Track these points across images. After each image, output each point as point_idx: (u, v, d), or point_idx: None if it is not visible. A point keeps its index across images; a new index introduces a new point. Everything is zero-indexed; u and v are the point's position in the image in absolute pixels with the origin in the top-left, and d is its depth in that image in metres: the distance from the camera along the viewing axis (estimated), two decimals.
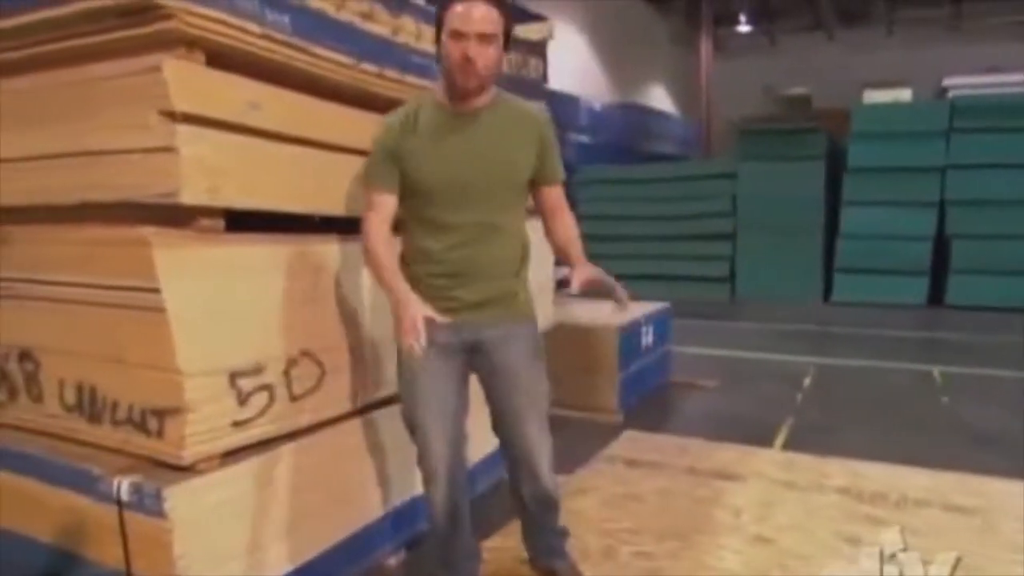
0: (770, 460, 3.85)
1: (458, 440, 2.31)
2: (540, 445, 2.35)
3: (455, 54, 2.05)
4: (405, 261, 2.26)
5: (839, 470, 3.61)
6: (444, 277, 2.20)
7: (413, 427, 2.29)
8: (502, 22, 2.08)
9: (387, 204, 2.21)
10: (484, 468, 3.29)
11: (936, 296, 9.74)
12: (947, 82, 17.02)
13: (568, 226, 2.31)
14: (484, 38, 2.04)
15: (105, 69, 2.12)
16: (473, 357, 2.27)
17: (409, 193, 2.20)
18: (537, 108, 2.34)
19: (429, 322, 2.02)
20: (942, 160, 9.73)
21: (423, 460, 2.30)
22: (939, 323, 8.78)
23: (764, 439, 4.28)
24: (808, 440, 4.23)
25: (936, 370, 6.05)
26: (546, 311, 3.64)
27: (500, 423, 2.36)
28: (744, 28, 20.57)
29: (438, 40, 2.11)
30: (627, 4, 18.02)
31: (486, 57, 2.06)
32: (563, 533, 2.59)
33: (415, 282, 2.22)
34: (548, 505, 2.46)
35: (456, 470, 2.31)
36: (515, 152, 2.21)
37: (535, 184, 2.29)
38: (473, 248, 2.18)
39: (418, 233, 2.22)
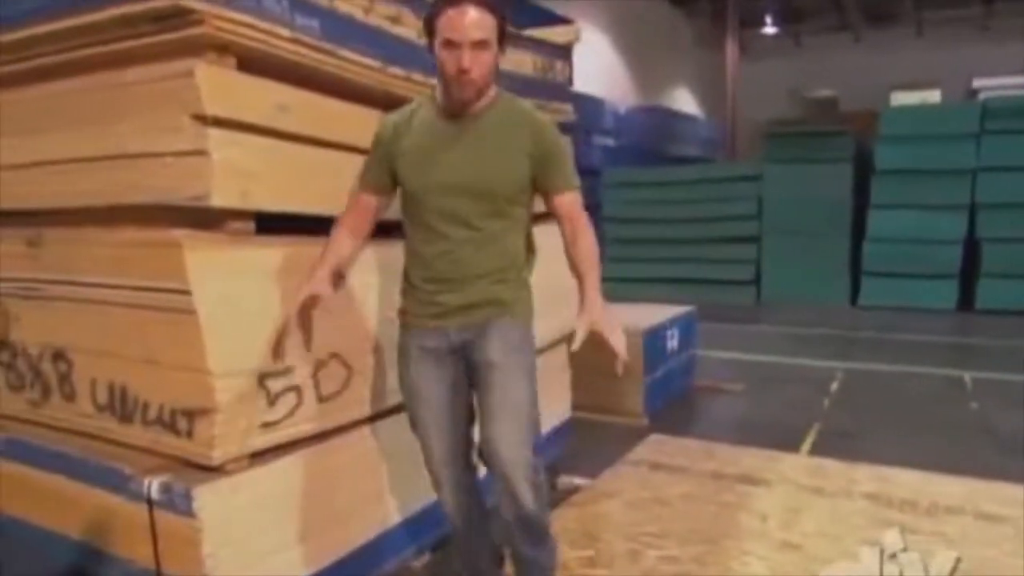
0: (797, 465, 3.82)
1: (459, 443, 2.26)
2: (515, 455, 2.10)
3: (449, 65, 1.96)
4: (406, 268, 2.23)
5: (868, 476, 3.57)
6: (433, 282, 2.15)
7: (415, 431, 2.27)
8: (496, 23, 1.98)
9: (366, 204, 2.20)
10: None
11: (966, 300, 9.59)
12: (977, 83, 16.85)
13: (581, 239, 2.12)
14: (478, 45, 1.95)
15: (138, 73, 2.15)
16: (464, 360, 2.18)
17: (405, 196, 2.17)
18: (539, 111, 2.21)
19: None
20: (973, 162, 9.58)
21: (427, 464, 2.28)
22: (969, 328, 8.65)
23: (791, 444, 4.24)
24: (836, 445, 4.19)
25: (966, 375, 5.97)
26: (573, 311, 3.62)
27: (480, 431, 2.19)
28: (770, 30, 20.43)
29: (430, 46, 2.02)
30: (651, 6, 17.98)
31: (482, 65, 1.97)
32: (549, 570, 2.30)
33: (411, 288, 2.20)
34: (532, 532, 2.18)
35: (461, 473, 2.28)
36: (507, 159, 2.09)
37: (541, 191, 2.16)
38: (462, 254, 2.11)
39: (415, 239, 2.18)
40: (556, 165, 2.14)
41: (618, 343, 1.96)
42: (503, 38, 2.04)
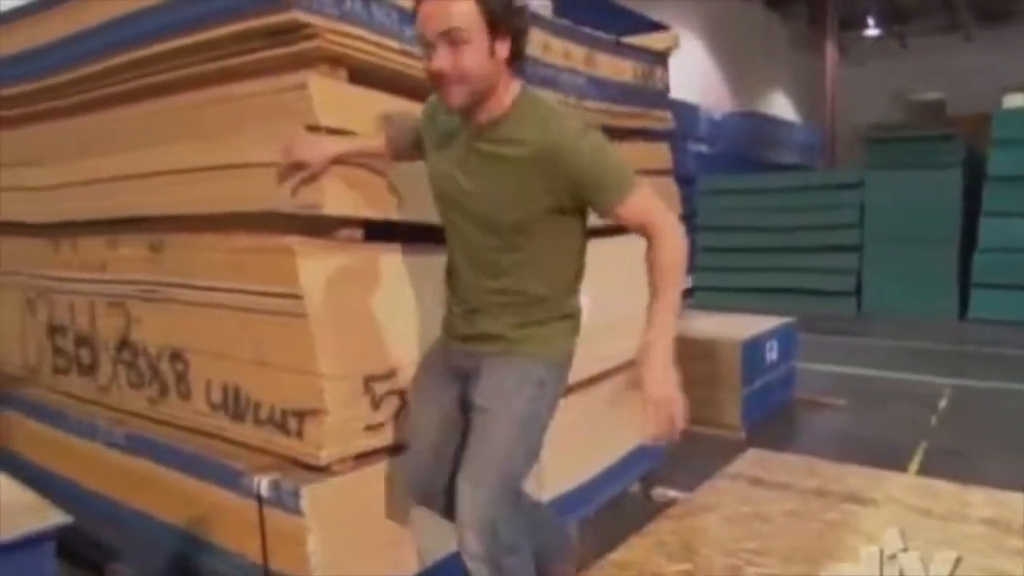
0: (905, 485, 3.64)
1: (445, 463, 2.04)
2: (473, 510, 1.78)
3: (426, 70, 1.67)
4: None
5: (983, 499, 3.38)
6: (453, 296, 2.02)
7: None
8: (478, 7, 1.58)
9: (392, 131, 2.13)
10: (606, 480, 3.27)
11: None
12: None
13: (657, 247, 1.73)
14: (452, 38, 1.58)
15: (253, 86, 2.24)
16: (463, 389, 2.00)
17: None
18: (562, 120, 1.76)
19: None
20: None
21: None
22: None
23: (897, 463, 4.06)
24: (945, 466, 3.98)
25: None
26: None
27: None
28: (872, 32, 19.74)
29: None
30: (746, 8, 17.65)
31: (459, 64, 1.60)
32: None
33: (447, 293, 2.08)
34: None
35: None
36: (511, 190, 1.75)
37: (595, 211, 1.84)
38: (470, 280, 1.93)
39: (448, 246, 2.02)
40: (592, 184, 1.73)
41: (653, 410, 1.66)
42: (498, 28, 1.63)
